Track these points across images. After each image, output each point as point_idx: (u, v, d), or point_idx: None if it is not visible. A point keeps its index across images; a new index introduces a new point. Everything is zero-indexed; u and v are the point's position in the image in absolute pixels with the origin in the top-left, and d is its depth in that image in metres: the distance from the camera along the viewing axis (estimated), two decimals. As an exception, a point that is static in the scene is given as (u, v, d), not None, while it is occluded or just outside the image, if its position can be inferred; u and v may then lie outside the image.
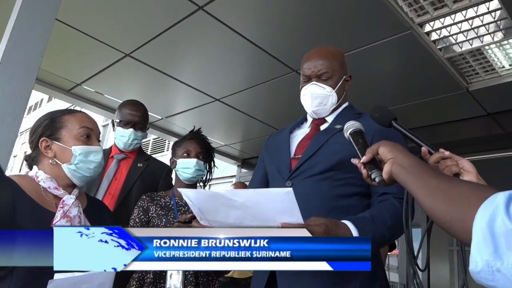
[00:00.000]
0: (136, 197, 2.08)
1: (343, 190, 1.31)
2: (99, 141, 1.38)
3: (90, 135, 1.34)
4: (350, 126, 1.15)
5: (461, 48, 2.59)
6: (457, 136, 3.64)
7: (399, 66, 2.84)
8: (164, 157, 8.54)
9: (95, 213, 1.37)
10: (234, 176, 5.96)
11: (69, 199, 1.27)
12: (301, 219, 1.02)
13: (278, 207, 1.01)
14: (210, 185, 4.92)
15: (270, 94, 3.47)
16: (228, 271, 2.24)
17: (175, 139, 4.87)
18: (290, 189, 0.95)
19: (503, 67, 2.78)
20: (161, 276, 1.70)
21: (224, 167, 6.30)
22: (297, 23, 2.50)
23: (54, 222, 1.18)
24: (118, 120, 2.25)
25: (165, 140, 8.31)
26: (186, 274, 1.69)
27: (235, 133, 4.69)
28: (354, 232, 1.12)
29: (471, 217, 0.55)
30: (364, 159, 1.01)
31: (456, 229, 0.61)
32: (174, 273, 1.65)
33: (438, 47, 2.59)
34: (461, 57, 2.69)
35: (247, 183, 4.94)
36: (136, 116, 2.25)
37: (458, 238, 0.62)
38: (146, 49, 2.94)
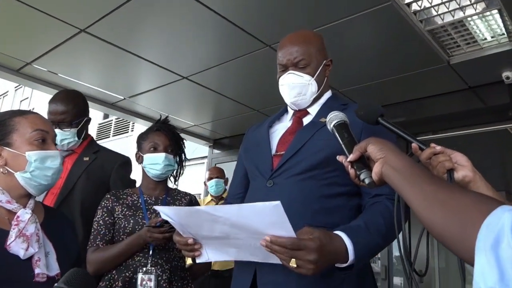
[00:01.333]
0: (80, 195, 1.99)
1: (329, 190, 1.29)
2: (55, 144, 1.30)
3: (46, 138, 1.25)
4: (333, 118, 1.12)
5: (442, 20, 2.59)
6: (437, 111, 3.69)
7: (378, 40, 2.83)
8: (129, 138, 8.38)
9: (54, 227, 1.29)
10: (206, 157, 5.91)
11: (25, 214, 1.18)
12: (292, 232, 0.99)
13: (266, 220, 0.98)
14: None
15: (242, 71, 3.41)
16: (208, 270, 2.23)
17: (140, 120, 4.78)
18: (278, 202, 0.92)
19: (485, 39, 2.81)
20: (130, 283, 1.65)
21: (194, 148, 6.24)
22: (270, -5, 2.43)
23: (8, 243, 1.11)
24: None
25: (129, 121, 8.14)
26: (159, 280, 1.65)
27: (205, 112, 4.62)
28: (349, 244, 1.10)
29: (472, 235, 0.53)
30: (351, 157, 0.97)
31: (456, 246, 0.59)
32: (146, 279, 1.62)
33: (419, 19, 2.59)
34: (443, 29, 2.70)
35: (221, 166, 4.92)
36: (57, 113, 2.08)
37: (458, 256, 0.60)
38: (103, 24, 2.81)
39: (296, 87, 1.44)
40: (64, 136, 2.09)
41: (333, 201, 1.28)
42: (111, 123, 9.19)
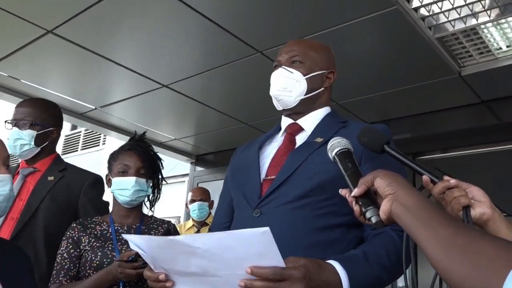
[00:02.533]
0: (43, 220, 1.96)
1: (324, 221, 1.26)
2: (7, 167, 1.26)
3: None
4: (335, 145, 1.10)
5: (453, 26, 2.62)
6: (446, 127, 3.72)
7: (381, 48, 2.85)
8: (100, 153, 8.30)
9: (4, 265, 1.23)
10: (187, 175, 5.87)
11: None
12: (281, 262, 0.97)
13: (252, 251, 0.95)
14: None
15: (229, 79, 3.41)
16: None
17: (113, 132, 4.74)
18: (267, 229, 0.90)
19: (500, 48, 2.84)
20: None
21: (174, 165, 6.20)
22: (262, -4, 2.44)
23: None
24: None
25: (100, 134, 8.06)
26: None
27: (187, 125, 4.61)
28: (343, 276, 1.07)
29: (497, 287, 0.52)
30: (356, 192, 0.96)
31: None
32: None
33: (427, 25, 2.61)
34: (454, 37, 2.73)
35: (204, 185, 4.87)
36: (19, 113, 2.11)
37: None
38: (73, 24, 2.79)
39: (281, 80, 1.47)
40: (19, 136, 2.07)
41: (329, 234, 1.26)
42: (80, 135, 9.10)
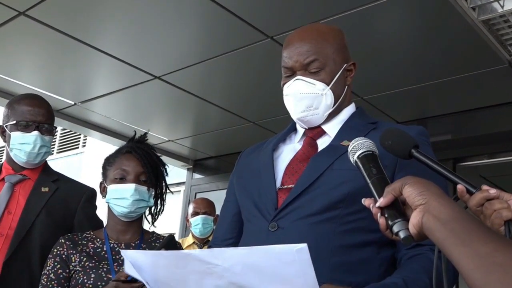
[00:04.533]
0: (40, 237, 1.96)
1: (352, 238, 1.27)
2: None
3: None
4: (358, 146, 1.10)
5: (502, 7, 2.61)
6: (494, 127, 3.71)
7: (416, 34, 2.86)
8: (79, 157, 8.34)
9: None
10: (183, 183, 5.88)
11: None
12: (317, 287, 0.97)
13: (282, 271, 0.95)
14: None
15: (234, 70, 3.43)
16: None
17: (95, 132, 4.77)
18: (304, 245, 0.89)
19: (558, 33, 2.84)
20: None
21: (167, 171, 6.22)
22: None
23: None
24: (13, 122, 2.12)
25: (80, 134, 8.10)
26: None
27: (183, 124, 4.64)
28: None
29: None
30: (382, 202, 0.95)
31: None
32: None
33: (471, 5, 2.61)
34: (502, 19, 2.72)
35: (203, 195, 4.87)
36: (40, 114, 2.10)
37: None
38: (48, 5, 2.81)
39: (305, 98, 1.43)
40: (44, 143, 2.08)
41: (358, 253, 1.27)
42: (56, 135, 9.17)
